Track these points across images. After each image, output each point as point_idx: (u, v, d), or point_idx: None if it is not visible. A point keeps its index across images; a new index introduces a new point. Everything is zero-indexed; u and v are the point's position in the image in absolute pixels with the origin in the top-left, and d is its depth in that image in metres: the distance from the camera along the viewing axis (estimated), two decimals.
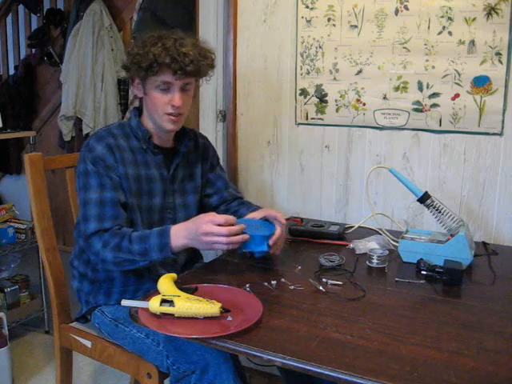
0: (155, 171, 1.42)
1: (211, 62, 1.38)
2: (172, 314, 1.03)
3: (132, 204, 1.37)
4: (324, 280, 1.23)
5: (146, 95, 1.37)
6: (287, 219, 1.52)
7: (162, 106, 1.34)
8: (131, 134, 1.41)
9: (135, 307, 1.06)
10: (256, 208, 1.51)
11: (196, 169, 1.53)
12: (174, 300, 1.02)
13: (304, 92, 1.81)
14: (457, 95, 1.58)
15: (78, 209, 1.61)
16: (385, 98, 1.68)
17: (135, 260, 1.27)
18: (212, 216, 1.24)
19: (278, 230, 1.32)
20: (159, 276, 1.15)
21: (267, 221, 1.36)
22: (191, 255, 1.55)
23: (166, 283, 1.12)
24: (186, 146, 1.49)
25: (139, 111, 1.45)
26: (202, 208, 1.54)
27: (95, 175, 1.32)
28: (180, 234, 1.26)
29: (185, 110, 1.38)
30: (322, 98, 1.78)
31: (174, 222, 1.40)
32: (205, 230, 1.21)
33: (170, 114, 1.35)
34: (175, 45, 1.29)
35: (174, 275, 1.17)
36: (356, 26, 1.68)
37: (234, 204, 1.58)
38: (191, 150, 1.52)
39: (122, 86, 2.99)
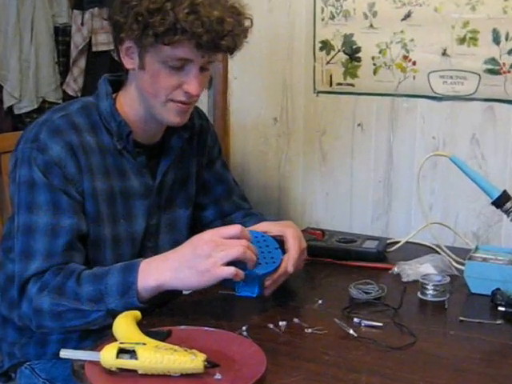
0: (135, 181, 1.38)
1: (248, 28, 1.33)
2: (135, 370, 1.03)
3: (101, 235, 1.34)
4: (356, 320, 1.24)
5: (141, 69, 1.30)
6: (302, 231, 1.52)
7: (168, 90, 1.29)
8: (101, 124, 1.36)
9: (80, 360, 1.06)
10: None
11: (190, 167, 1.50)
12: (137, 350, 1.03)
13: (327, 46, 1.81)
14: None
15: None
16: (444, 53, 1.68)
17: (82, 309, 1.21)
18: (215, 230, 1.23)
19: (282, 269, 1.26)
20: None
21: (281, 241, 1.32)
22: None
23: (125, 325, 1.12)
24: (180, 137, 1.44)
25: (112, 85, 1.40)
26: (194, 225, 1.53)
27: (46, 189, 1.26)
28: (154, 269, 1.21)
29: (198, 98, 1.35)
30: (352, 55, 1.78)
31: (156, 251, 1.37)
32: (209, 247, 1.17)
33: (178, 102, 1.31)
34: (205, 5, 1.21)
35: (137, 313, 1.17)
36: None
37: (239, 215, 1.57)
38: (186, 139, 1.48)
39: (61, 38, 2.99)
